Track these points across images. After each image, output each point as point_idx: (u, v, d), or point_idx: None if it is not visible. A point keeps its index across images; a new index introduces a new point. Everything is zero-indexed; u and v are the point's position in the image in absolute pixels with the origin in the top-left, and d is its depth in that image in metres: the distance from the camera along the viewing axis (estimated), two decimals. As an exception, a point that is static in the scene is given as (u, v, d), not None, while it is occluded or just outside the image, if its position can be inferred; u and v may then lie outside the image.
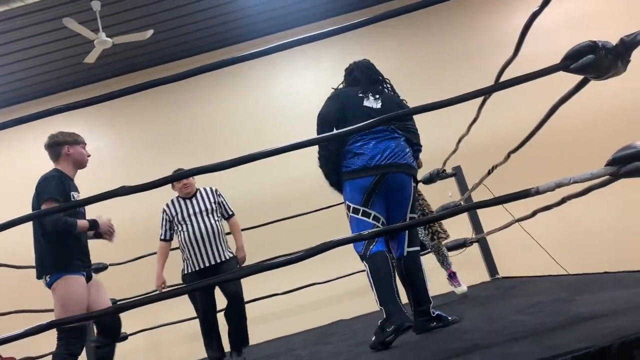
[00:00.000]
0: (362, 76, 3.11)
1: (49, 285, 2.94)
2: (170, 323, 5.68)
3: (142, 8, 6.41)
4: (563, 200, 2.71)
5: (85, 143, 3.35)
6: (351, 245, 2.29)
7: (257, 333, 6.19)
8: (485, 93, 2.02)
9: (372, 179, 2.80)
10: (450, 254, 4.70)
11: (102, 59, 6.68)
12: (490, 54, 6.76)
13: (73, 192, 3.11)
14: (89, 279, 3.10)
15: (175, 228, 4.14)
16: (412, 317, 2.75)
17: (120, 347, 4.95)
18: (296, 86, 7.52)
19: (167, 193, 4.06)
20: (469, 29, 7.38)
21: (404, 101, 3.14)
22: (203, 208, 4.11)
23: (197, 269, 4.00)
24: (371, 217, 2.81)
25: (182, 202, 4.15)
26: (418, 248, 2.96)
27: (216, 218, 4.13)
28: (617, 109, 6.82)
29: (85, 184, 6.59)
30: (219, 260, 3.99)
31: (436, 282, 4.77)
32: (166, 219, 4.19)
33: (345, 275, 5.64)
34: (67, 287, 2.89)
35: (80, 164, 3.30)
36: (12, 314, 4.59)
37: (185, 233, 4.05)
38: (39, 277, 3.00)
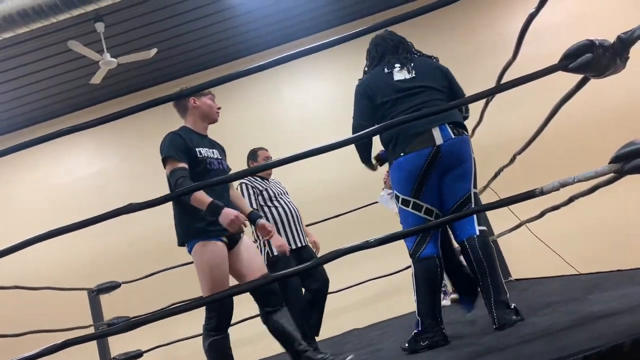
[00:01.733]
0: (383, 48, 2.76)
1: (190, 252, 2.76)
2: (185, 338, 5.68)
3: (145, 27, 6.49)
4: (571, 200, 2.71)
5: (213, 95, 3.01)
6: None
7: (270, 344, 6.20)
8: (486, 96, 2.03)
9: (425, 157, 2.43)
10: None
11: (108, 79, 6.76)
12: (492, 56, 6.77)
13: (200, 148, 2.80)
14: (234, 242, 2.81)
15: (263, 204, 3.85)
16: (490, 309, 2.39)
17: (135, 364, 4.98)
18: (301, 97, 7.56)
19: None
20: (470, 30, 7.40)
21: (437, 60, 2.81)
22: (285, 190, 4.01)
23: (292, 247, 3.77)
24: (423, 211, 2.50)
25: (264, 181, 3.96)
26: (486, 228, 2.59)
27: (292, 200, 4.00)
28: (620, 107, 6.79)
29: (94, 202, 6.66)
30: (304, 243, 3.86)
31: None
32: (255, 190, 3.85)
33: (358, 283, 5.62)
34: (201, 255, 2.67)
35: (209, 116, 2.97)
36: (27, 335, 4.61)
37: (278, 210, 3.84)
38: (180, 244, 2.83)
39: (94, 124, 1.89)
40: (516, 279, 5.21)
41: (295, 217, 3.88)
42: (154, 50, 6.34)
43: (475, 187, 2.55)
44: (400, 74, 2.63)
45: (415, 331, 2.46)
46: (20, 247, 1.91)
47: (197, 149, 2.77)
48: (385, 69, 2.67)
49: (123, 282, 5.33)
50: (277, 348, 5.99)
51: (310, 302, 3.80)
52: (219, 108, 3.01)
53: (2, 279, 4.82)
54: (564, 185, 1.73)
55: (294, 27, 7.35)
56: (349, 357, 2.87)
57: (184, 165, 2.67)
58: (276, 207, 3.84)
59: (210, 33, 6.97)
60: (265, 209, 3.83)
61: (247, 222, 2.66)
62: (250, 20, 6.95)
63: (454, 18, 7.13)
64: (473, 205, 2.49)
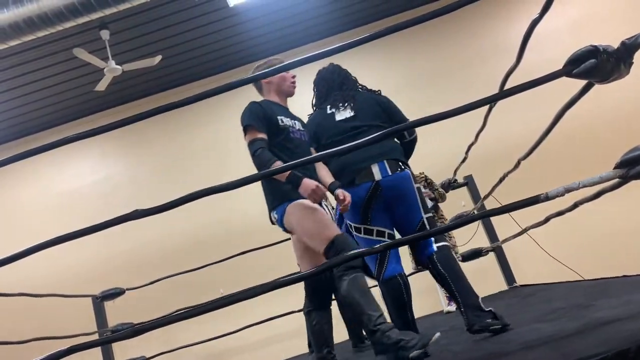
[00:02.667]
0: (326, 87, 2.94)
1: (280, 222, 2.65)
2: (188, 345, 5.68)
3: (150, 35, 6.54)
4: (575, 205, 2.70)
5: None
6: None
7: (274, 352, 6.19)
8: (490, 102, 2.03)
9: (366, 190, 2.62)
10: (466, 264, 4.66)
11: (112, 87, 6.81)
12: (494, 61, 6.77)
13: (282, 117, 2.74)
14: None
15: None
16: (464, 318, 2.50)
17: (140, 371, 4.98)
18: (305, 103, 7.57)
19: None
20: (472, 35, 7.42)
21: (379, 92, 2.93)
22: None
23: None
24: (374, 234, 2.63)
25: None
26: (447, 243, 2.70)
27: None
28: (625, 112, 6.78)
29: (99, 209, 6.68)
30: None
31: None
32: None
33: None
34: (293, 211, 2.53)
35: (283, 89, 2.89)
36: (32, 342, 4.62)
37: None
38: (270, 217, 2.72)
39: (98, 131, 1.90)
40: (521, 285, 5.20)
41: None
42: (158, 57, 6.38)
43: (426, 212, 2.71)
44: (341, 114, 2.80)
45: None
46: (25, 255, 1.91)
47: (278, 117, 2.72)
48: (328, 109, 2.86)
49: (127, 289, 5.33)
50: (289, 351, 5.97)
51: None
52: (294, 77, 2.92)
53: (7, 286, 4.82)
54: (569, 190, 1.73)
55: (298, 33, 7.39)
56: (436, 335, 2.73)
57: (263, 135, 2.62)
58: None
59: (215, 40, 7.01)
60: None
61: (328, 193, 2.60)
62: (255, 27, 6.99)
63: (457, 23, 7.14)
64: (428, 228, 2.66)
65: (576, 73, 1.75)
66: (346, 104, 2.80)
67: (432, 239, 2.65)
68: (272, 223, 2.75)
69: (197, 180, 6.78)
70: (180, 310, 4.68)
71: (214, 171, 7.17)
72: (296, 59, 2.05)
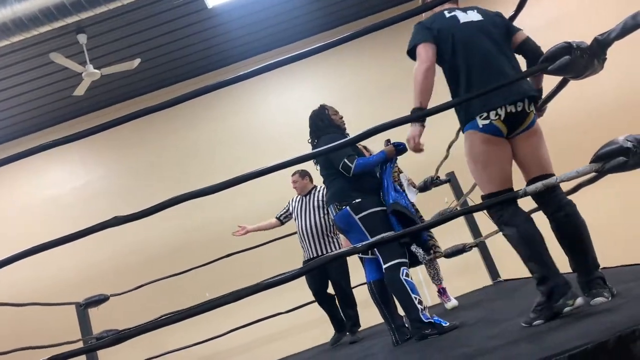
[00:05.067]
0: None
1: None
2: (174, 350, 5.63)
3: (127, 38, 6.47)
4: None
5: None
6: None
7: (261, 354, 6.17)
8: (468, 99, 2.05)
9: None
10: (451, 260, 4.70)
11: (91, 91, 6.73)
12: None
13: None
14: None
15: (288, 218, 4.87)
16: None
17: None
18: (287, 103, 7.56)
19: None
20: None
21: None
22: (313, 206, 4.64)
23: (305, 259, 4.64)
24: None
25: (300, 198, 4.78)
26: (396, 261, 2.92)
27: (322, 214, 4.58)
28: (600, 106, 6.89)
29: (81, 216, 6.59)
30: (320, 254, 4.51)
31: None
32: (286, 207, 4.89)
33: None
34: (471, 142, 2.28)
35: None
36: (14, 352, 4.55)
37: (298, 227, 4.68)
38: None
39: (74, 138, 1.88)
40: (506, 280, 5.24)
41: (312, 231, 4.57)
42: (137, 61, 6.32)
43: (376, 233, 2.97)
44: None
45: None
46: (4, 264, 1.89)
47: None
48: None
49: (111, 295, 5.28)
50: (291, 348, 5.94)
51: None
52: None
53: (-13, 295, 4.75)
54: (546, 185, 1.75)
55: (277, 34, 7.38)
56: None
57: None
58: (297, 223, 4.68)
59: (194, 42, 6.97)
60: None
61: None
62: (234, 28, 6.96)
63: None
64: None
65: (551, 69, 1.77)
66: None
67: (373, 269, 3.14)
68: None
69: (177, 185, 6.75)
70: (165, 315, 4.64)
71: (194, 175, 7.13)
72: (272, 62, 2.05)
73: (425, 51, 2.23)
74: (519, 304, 3.00)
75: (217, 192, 1.85)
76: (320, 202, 4.63)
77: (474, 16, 2.30)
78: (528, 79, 2.14)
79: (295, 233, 5.00)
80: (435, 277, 4.43)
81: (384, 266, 2.94)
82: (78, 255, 6.51)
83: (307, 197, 4.72)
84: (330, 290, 4.64)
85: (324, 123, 3.42)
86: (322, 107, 3.55)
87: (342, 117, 3.53)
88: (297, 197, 4.83)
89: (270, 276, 5.13)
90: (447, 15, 2.31)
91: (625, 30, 1.66)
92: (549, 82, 2.28)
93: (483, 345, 2.03)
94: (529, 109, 2.11)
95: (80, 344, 5.05)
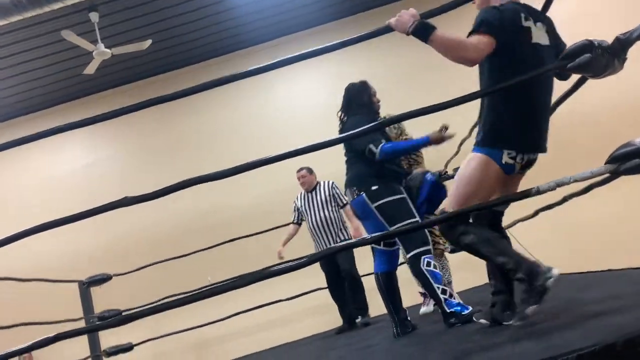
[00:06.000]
0: None
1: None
2: (175, 332, 5.67)
3: (140, 18, 6.44)
4: (565, 199, 2.72)
5: None
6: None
7: (260, 340, 6.20)
8: (484, 95, 2.03)
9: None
10: (453, 256, 4.68)
11: (101, 70, 6.70)
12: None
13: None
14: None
15: (302, 217, 4.92)
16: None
17: (125, 357, 4.97)
18: (295, 92, 7.53)
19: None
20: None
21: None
22: (320, 200, 4.78)
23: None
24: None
25: (305, 195, 4.89)
26: (416, 251, 2.87)
27: (330, 208, 4.73)
28: (617, 107, 6.82)
29: (89, 194, 6.62)
30: (331, 245, 4.65)
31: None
32: (295, 208, 4.97)
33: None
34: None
35: None
36: (18, 327, 4.58)
37: (308, 222, 4.82)
38: None
39: (89, 122, 1.89)
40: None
41: (322, 225, 4.74)
42: (148, 42, 6.29)
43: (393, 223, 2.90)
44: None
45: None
46: (13, 240, 1.89)
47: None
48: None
49: (114, 275, 5.31)
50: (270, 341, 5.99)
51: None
52: None
53: (-8, 270, 4.77)
54: (560, 185, 1.74)
55: (291, 20, 7.31)
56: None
57: None
58: (308, 219, 4.84)
59: (206, 25, 6.93)
60: (305, 219, 4.89)
61: None
62: (247, 13, 6.91)
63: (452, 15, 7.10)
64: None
65: (571, 67, 1.75)
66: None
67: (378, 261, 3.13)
68: None
69: (188, 167, 6.75)
70: (167, 297, 4.66)
71: (204, 157, 7.13)
72: (291, 55, 2.05)
73: (484, 45, 2.00)
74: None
75: (227, 178, 1.85)
76: (327, 197, 4.77)
77: (542, 37, 2.10)
78: None
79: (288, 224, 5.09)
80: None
81: (407, 256, 2.92)
82: (83, 234, 6.52)
83: (313, 192, 4.85)
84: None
85: (359, 101, 3.22)
86: (364, 84, 3.31)
87: (379, 101, 3.32)
88: (302, 194, 4.92)
89: (270, 263, 5.19)
90: (524, 23, 2.06)
91: (649, 30, 1.63)
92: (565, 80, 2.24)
93: (486, 342, 2.03)
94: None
95: (82, 322, 5.09)
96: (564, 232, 6.05)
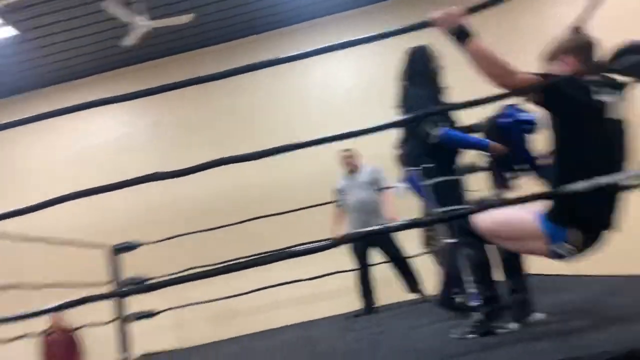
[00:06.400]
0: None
1: None
2: (196, 303, 5.77)
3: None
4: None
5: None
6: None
7: (277, 317, 6.29)
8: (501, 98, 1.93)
9: None
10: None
11: (142, 42, 6.75)
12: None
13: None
14: None
15: (343, 198, 4.97)
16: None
17: (147, 323, 5.10)
18: (333, 74, 7.49)
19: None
20: (515, 26, 7.20)
21: None
22: (361, 182, 4.86)
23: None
24: None
25: (347, 176, 4.99)
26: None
27: (371, 191, 4.80)
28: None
29: (120, 168, 6.75)
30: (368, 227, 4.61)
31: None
32: (337, 190, 5.05)
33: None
34: None
35: None
36: (48, 288, 4.73)
37: (347, 202, 4.89)
38: None
39: (128, 97, 1.94)
40: (531, 274, 5.14)
41: (360, 206, 4.77)
42: (189, 16, 6.31)
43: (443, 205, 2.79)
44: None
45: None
46: (44, 206, 1.95)
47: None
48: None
49: (143, 244, 5.41)
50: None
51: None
52: None
53: (27, 231, 4.94)
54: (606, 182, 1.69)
55: (329, 1, 7.25)
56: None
57: None
58: (347, 199, 4.90)
59: (246, 2, 6.92)
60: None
61: None
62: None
63: (499, 13, 6.92)
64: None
65: (618, 68, 1.69)
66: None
67: None
68: None
69: (220, 144, 6.81)
70: (192, 268, 4.74)
71: (238, 137, 7.18)
72: (334, 43, 2.03)
73: (522, 74, 1.81)
74: (543, 301, 2.96)
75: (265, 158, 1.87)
76: (369, 180, 4.86)
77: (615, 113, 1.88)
78: None
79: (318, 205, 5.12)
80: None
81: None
82: (113, 201, 6.67)
83: (355, 174, 4.94)
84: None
85: (422, 69, 2.98)
86: (428, 50, 3.05)
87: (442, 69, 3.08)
88: (344, 175, 5.02)
89: (296, 243, 5.21)
90: (594, 97, 1.84)
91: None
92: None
93: (508, 340, 2.01)
94: None
95: (109, 287, 5.23)
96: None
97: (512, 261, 2.30)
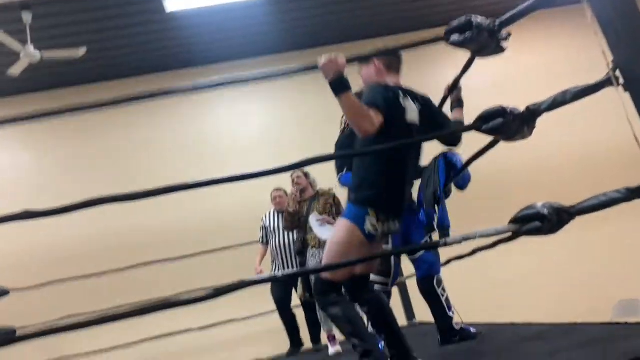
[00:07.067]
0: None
1: None
2: (75, 355, 5.32)
3: (76, 25, 6.24)
4: (474, 252, 2.83)
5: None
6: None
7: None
8: (408, 146, 2.10)
9: None
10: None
11: (30, 72, 6.38)
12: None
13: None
14: None
15: (269, 236, 4.82)
16: None
17: None
18: (228, 119, 7.50)
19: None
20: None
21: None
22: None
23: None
24: None
25: (275, 215, 4.84)
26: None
27: (297, 231, 4.54)
28: (530, 166, 7.29)
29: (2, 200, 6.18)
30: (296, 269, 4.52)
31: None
32: (262, 227, 4.90)
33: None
34: None
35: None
36: None
37: (272, 243, 4.75)
38: None
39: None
40: (420, 323, 5.31)
41: (286, 249, 4.64)
42: (83, 50, 6.07)
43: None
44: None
45: None
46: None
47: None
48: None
49: (12, 290, 4.93)
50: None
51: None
52: None
53: None
54: (466, 239, 1.81)
55: (238, 47, 7.34)
56: None
57: None
58: (272, 239, 4.75)
59: (146, 41, 6.83)
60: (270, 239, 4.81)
61: None
62: (189, 35, 6.89)
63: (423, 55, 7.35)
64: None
65: (485, 129, 1.86)
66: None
67: None
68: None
69: (105, 184, 6.49)
70: (67, 317, 4.39)
71: (123, 176, 6.89)
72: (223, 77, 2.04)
73: (378, 122, 2.14)
74: (427, 350, 3.05)
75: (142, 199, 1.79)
76: None
77: (415, 116, 2.33)
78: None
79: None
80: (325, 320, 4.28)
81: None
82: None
83: (283, 214, 4.71)
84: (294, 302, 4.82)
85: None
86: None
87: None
88: (270, 213, 4.89)
89: (187, 289, 5.02)
90: (402, 101, 2.31)
91: (555, 104, 1.78)
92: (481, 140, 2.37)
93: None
94: None
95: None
96: (473, 283, 6.28)
97: (377, 316, 2.38)
